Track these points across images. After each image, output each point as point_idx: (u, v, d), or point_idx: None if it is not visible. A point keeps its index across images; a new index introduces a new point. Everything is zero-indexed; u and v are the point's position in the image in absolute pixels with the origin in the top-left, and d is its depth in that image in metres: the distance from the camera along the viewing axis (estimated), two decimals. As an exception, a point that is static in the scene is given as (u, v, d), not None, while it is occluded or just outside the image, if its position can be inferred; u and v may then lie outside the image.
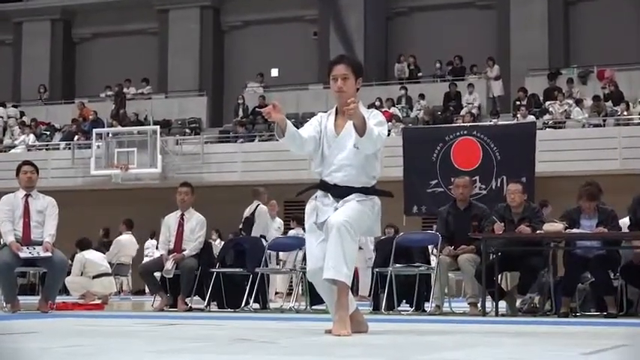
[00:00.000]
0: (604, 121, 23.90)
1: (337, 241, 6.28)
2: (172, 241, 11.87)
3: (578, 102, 24.39)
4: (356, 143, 6.44)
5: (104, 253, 16.73)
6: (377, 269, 11.55)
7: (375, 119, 6.51)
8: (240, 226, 15.56)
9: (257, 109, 27.41)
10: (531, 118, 23.67)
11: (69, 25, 34.02)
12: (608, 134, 22.89)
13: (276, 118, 6.39)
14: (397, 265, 11.35)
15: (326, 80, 6.72)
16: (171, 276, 11.70)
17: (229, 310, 11.69)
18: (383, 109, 25.55)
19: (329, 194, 6.58)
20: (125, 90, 30.81)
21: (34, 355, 4.79)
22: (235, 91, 30.15)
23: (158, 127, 26.64)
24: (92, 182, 26.58)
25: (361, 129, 6.31)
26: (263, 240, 13.20)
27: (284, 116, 6.46)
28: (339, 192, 6.55)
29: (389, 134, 24.02)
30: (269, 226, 15.20)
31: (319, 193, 6.67)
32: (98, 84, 31.97)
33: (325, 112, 6.85)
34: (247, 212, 15.16)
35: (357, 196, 6.51)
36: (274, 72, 31.13)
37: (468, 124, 21.23)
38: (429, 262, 11.59)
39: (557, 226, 10.23)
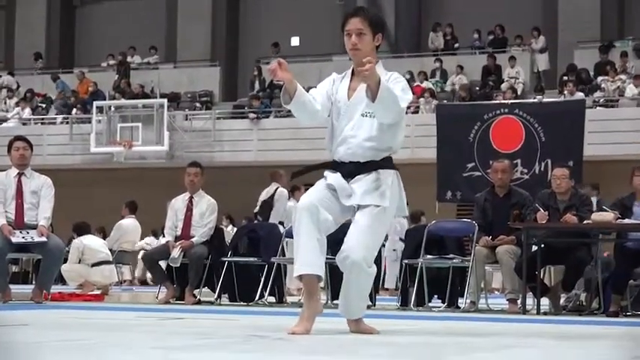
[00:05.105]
0: (661, 99, 23.79)
1: (353, 282, 6.23)
2: (180, 227, 11.89)
3: (635, 78, 24.26)
4: (368, 110, 6.06)
5: (104, 239, 16.80)
6: (406, 260, 11.49)
7: (396, 84, 6.06)
8: (256, 210, 15.52)
9: (275, 81, 27.40)
10: (580, 95, 23.54)
11: (68, -14, 34.12)
12: (666, 114, 22.79)
13: (283, 78, 5.96)
14: (428, 256, 11.31)
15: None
16: (178, 265, 11.73)
17: (242, 303, 11.73)
18: (415, 84, 25.50)
19: (338, 173, 6.16)
20: (129, 59, 30.86)
21: (26, 349, 4.81)
22: (251, 62, 30.12)
23: (165, 100, 26.69)
24: (92, 160, 26.66)
25: (375, 93, 5.82)
26: (281, 227, 13.19)
27: (292, 77, 6.01)
28: (346, 170, 6.14)
29: (418, 112, 24.10)
30: (289, 211, 15.17)
31: (328, 174, 6.23)
32: (100, 52, 32.02)
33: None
34: (264, 195, 15.13)
35: (368, 190, 6.07)
36: (294, 41, 31.06)
37: (509, 102, 21.11)
38: (464, 254, 11.54)
39: (607, 216, 10.20)
